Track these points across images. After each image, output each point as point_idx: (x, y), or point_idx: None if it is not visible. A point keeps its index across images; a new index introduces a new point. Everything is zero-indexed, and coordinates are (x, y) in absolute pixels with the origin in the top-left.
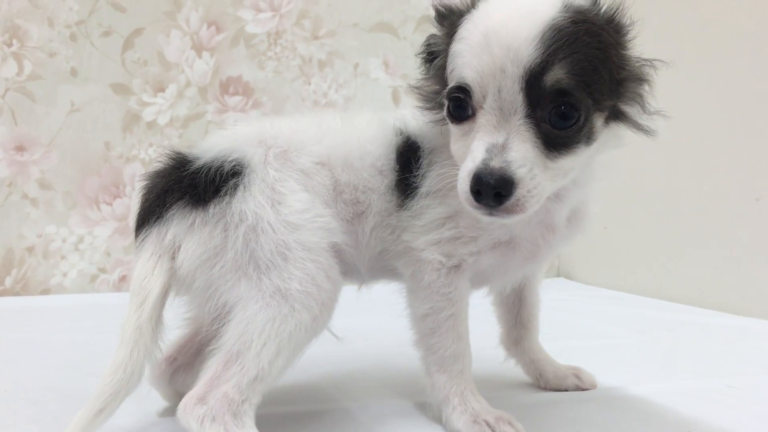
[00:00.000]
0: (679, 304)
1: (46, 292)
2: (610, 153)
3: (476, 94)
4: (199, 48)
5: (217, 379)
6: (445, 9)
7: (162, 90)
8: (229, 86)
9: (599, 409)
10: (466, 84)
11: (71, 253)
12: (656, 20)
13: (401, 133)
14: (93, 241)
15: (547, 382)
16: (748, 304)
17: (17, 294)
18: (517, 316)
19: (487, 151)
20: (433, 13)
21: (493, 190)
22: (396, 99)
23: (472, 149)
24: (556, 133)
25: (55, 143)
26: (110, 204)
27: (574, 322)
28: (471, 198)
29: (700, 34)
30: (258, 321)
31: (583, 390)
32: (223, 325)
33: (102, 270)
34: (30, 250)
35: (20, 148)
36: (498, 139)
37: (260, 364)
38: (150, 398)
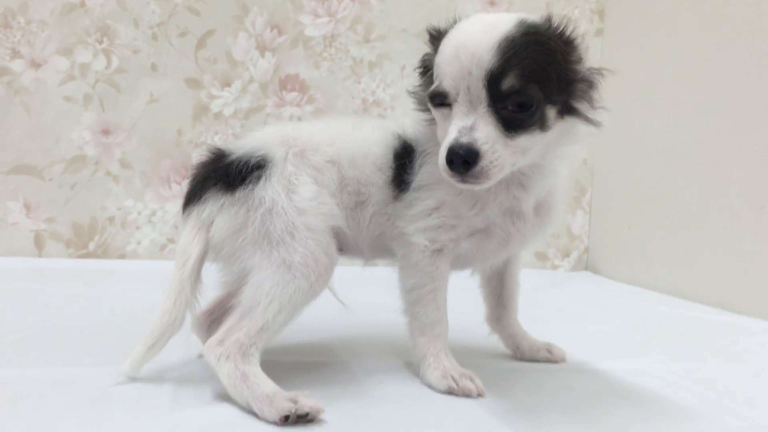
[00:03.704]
0: (689, 302)
1: (122, 256)
2: (569, 148)
3: (451, 94)
4: (262, 48)
5: (233, 328)
6: (436, 31)
7: (228, 85)
8: (287, 83)
9: (559, 377)
10: (443, 90)
11: (145, 225)
12: (668, 27)
13: (399, 137)
14: (164, 215)
15: (523, 354)
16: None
17: (98, 257)
18: (499, 297)
19: (459, 131)
20: (427, 36)
21: (462, 159)
22: None
23: (448, 132)
24: (513, 117)
25: (135, 129)
26: (179, 183)
27: (578, 310)
28: (447, 167)
29: (712, 45)
30: (266, 284)
31: (553, 362)
32: (242, 286)
33: (170, 240)
34: (111, 220)
35: (106, 132)
36: (467, 123)
37: (266, 318)
38: (191, 342)
